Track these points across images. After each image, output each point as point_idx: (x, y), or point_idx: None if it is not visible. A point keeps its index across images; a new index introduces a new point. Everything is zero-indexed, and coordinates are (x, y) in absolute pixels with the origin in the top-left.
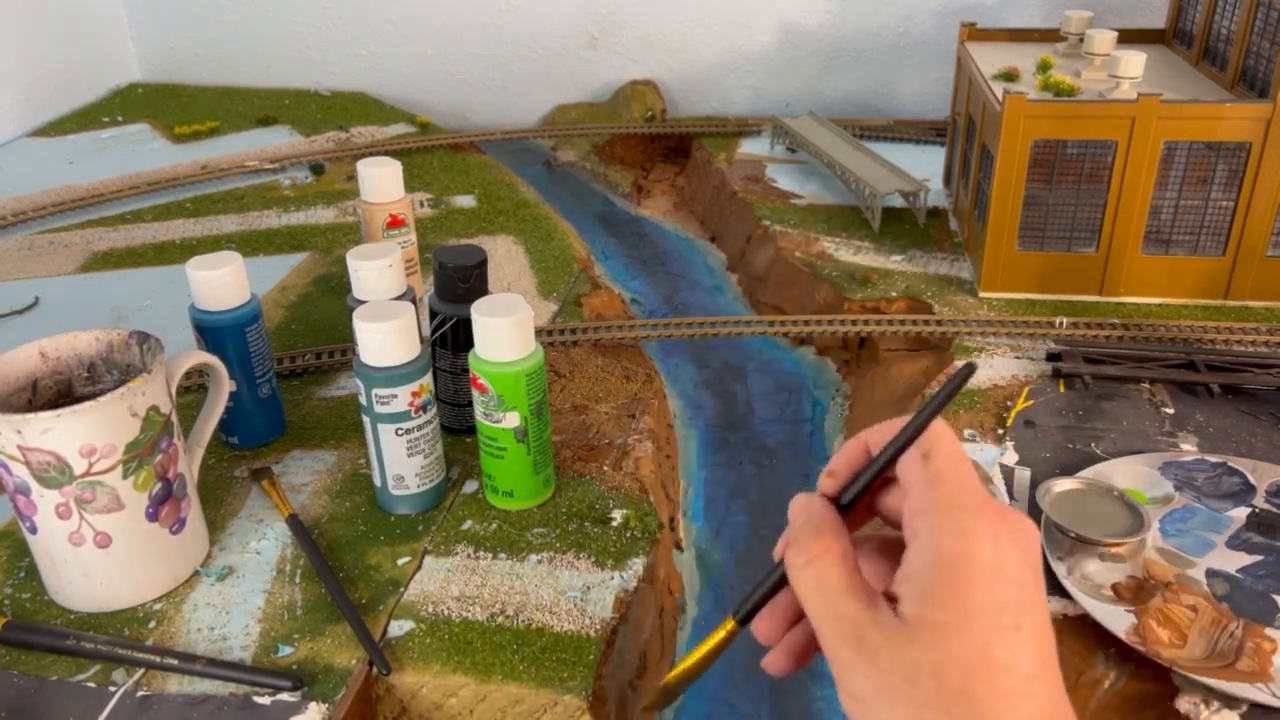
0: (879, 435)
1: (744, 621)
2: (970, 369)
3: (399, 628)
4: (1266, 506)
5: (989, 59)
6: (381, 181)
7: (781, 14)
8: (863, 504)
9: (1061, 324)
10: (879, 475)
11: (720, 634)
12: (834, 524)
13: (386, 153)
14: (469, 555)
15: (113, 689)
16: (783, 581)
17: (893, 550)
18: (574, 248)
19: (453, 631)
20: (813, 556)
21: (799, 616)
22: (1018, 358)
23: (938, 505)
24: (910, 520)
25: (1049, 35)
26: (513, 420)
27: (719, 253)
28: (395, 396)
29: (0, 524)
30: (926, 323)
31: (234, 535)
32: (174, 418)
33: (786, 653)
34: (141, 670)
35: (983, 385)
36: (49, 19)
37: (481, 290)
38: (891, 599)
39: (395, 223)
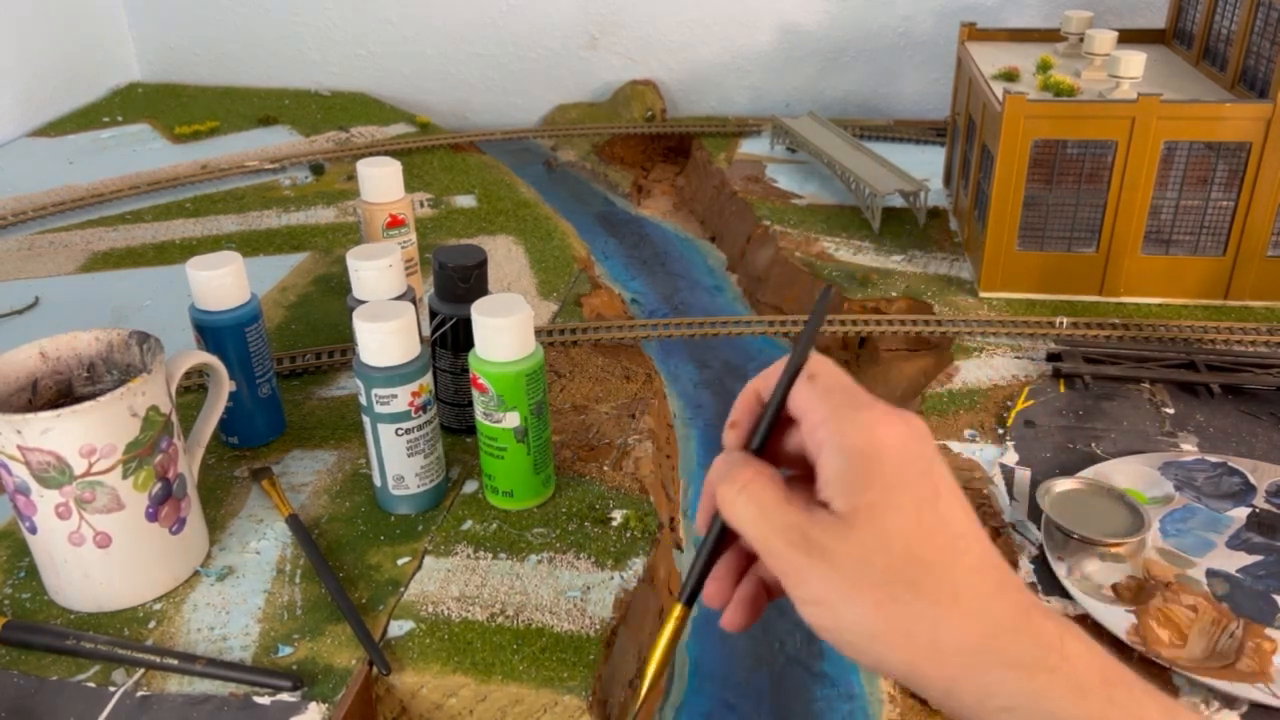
0: (766, 381)
1: (689, 601)
2: (828, 291)
3: (399, 628)
4: (1266, 506)
5: (989, 59)
6: (381, 181)
7: (781, 14)
8: (769, 454)
9: (1061, 324)
10: (779, 413)
11: (670, 624)
12: (754, 459)
13: (386, 153)
14: (469, 555)
15: (113, 689)
16: (715, 552)
17: (805, 481)
18: (574, 248)
19: (453, 631)
20: (745, 483)
21: (741, 572)
22: (1018, 358)
23: (834, 411)
24: (812, 435)
25: (1049, 35)
26: (513, 420)
27: (719, 253)
28: (395, 396)
29: (0, 524)
30: (926, 323)
31: (234, 535)
32: (174, 418)
33: (740, 606)
34: (141, 670)
35: (983, 385)
36: (49, 19)
37: (481, 290)
38: (822, 507)
39: (395, 223)
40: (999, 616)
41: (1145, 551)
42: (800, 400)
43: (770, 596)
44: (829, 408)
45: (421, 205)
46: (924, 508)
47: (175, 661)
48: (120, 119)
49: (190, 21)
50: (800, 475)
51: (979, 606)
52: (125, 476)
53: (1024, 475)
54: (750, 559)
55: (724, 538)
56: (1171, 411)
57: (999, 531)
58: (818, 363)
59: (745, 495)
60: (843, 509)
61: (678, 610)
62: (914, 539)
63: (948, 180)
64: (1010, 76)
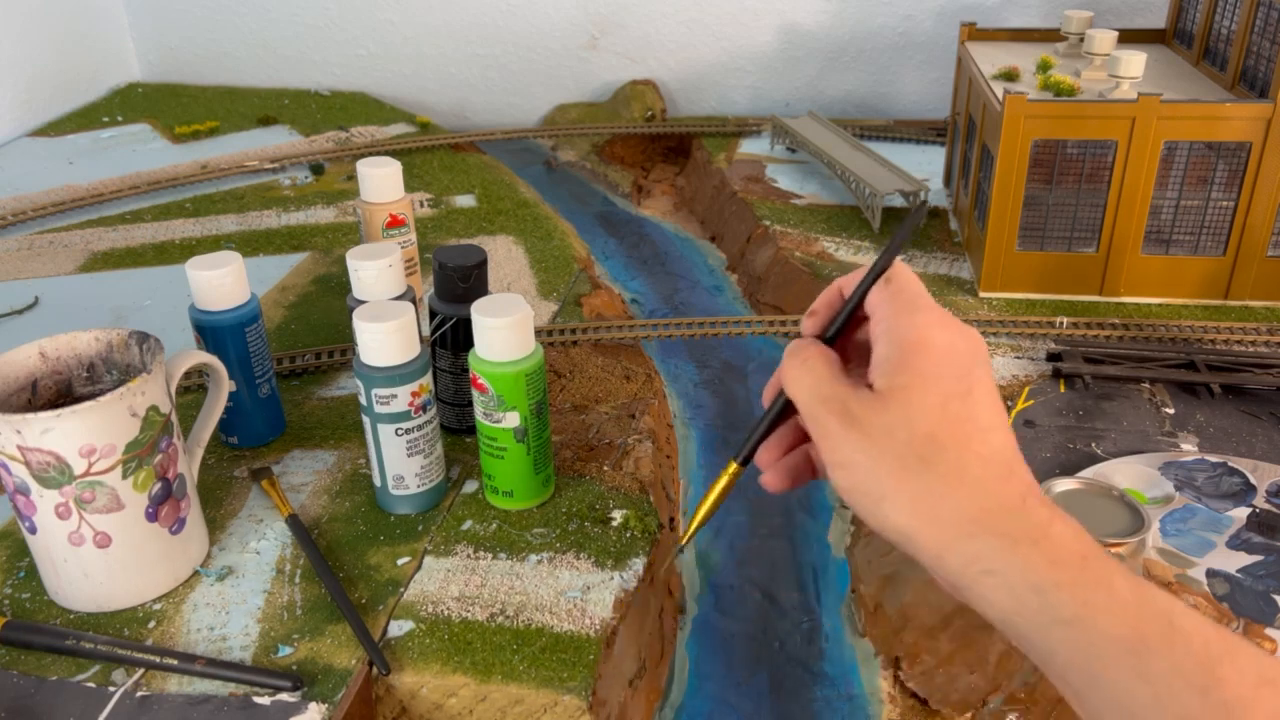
0: (850, 280)
1: (745, 462)
2: (923, 204)
3: (399, 628)
4: (1267, 506)
5: (989, 59)
6: (381, 181)
7: (781, 14)
8: (842, 347)
9: (1062, 324)
10: (856, 309)
11: (725, 478)
12: (821, 344)
13: (386, 153)
14: (469, 555)
15: (112, 689)
16: (775, 422)
17: (866, 363)
18: (574, 248)
19: (453, 631)
20: (806, 357)
21: (793, 446)
22: (1018, 358)
23: (897, 309)
24: (875, 328)
25: (1049, 35)
26: (513, 420)
27: (719, 253)
28: (395, 396)
29: (0, 524)
30: None
31: (234, 535)
32: (174, 418)
33: (783, 471)
34: (141, 670)
35: None
36: (49, 19)
37: (481, 290)
38: (867, 387)
39: (395, 223)
40: (997, 497)
41: (1145, 551)
42: (873, 299)
43: (813, 474)
44: (895, 307)
45: (421, 205)
46: (952, 399)
47: (175, 661)
48: (120, 119)
49: (190, 21)
50: (864, 367)
51: (980, 487)
52: (125, 476)
53: None
54: (802, 437)
55: (785, 411)
56: (1171, 411)
57: None
58: (896, 268)
59: (804, 367)
60: (882, 388)
61: (732, 467)
62: (937, 422)
63: (948, 180)
64: (1010, 76)
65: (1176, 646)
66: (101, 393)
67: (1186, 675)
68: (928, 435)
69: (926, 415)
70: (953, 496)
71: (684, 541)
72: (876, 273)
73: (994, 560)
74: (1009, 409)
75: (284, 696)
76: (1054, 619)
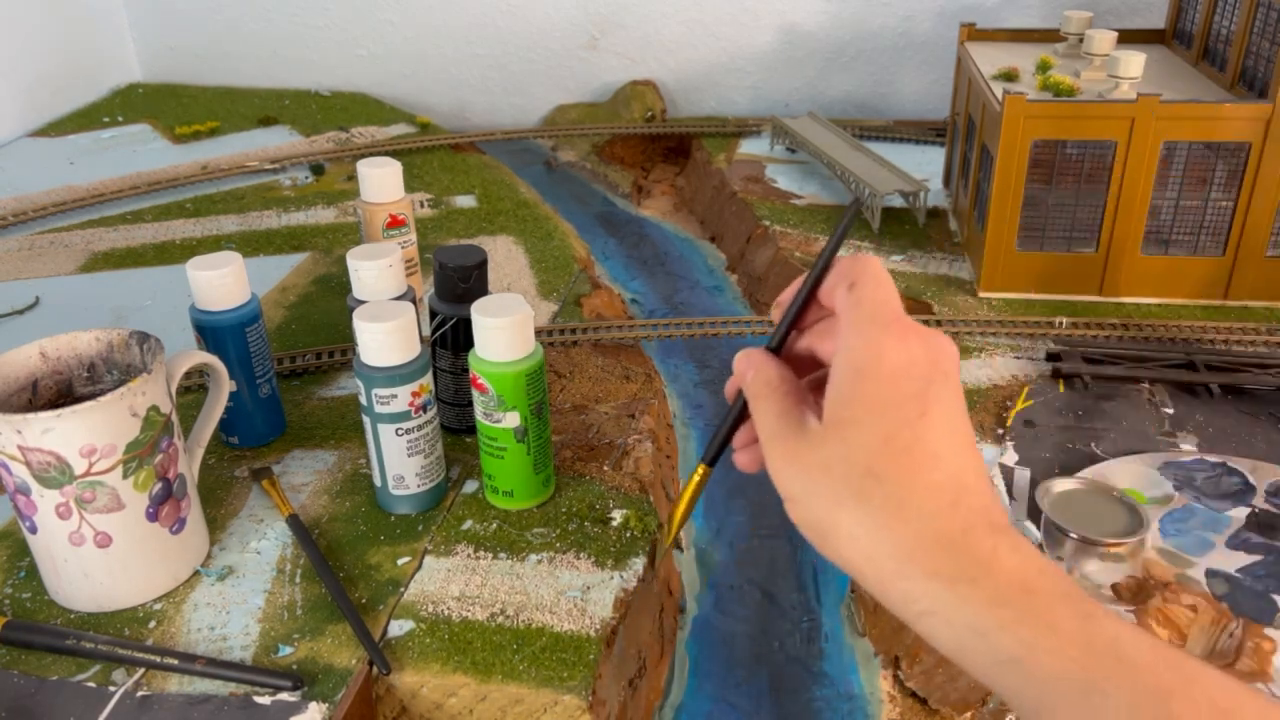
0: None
1: (712, 463)
2: (856, 203)
3: (399, 628)
4: (1266, 506)
5: (989, 59)
6: (381, 181)
7: (781, 14)
8: (806, 352)
9: (1061, 324)
10: (797, 318)
11: (695, 478)
12: (778, 371)
13: (386, 153)
14: (469, 555)
15: (113, 689)
16: (738, 420)
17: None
18: (574, 248)
19: (453, 631)
20: (763, 399)
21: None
22: (1017, 358)
23: (855, 324)
24: (836, 343)
25: (1049, 35)
26: (513, 420)
27: (719, 253)
28: (395, 396)
29: (0, 524)
30: (926, 323)
31: (234, 535)
32: (174, 418)
33: (755, 453)
34: (141, 670)
35: (983, 385)
36: (49, 19)
37: (481, 290)
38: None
39: (395, 223)
40: (936, 531)
41: (1145, 551)
42: (838, 306)
43: None
44: (852, 320)
45: (421, 205)
46: (900, 427)
47: (175, 661)
48: (120, 119)
49: (190, 21)
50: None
51: (918, 521)
52: (125, 476)
53: (1023, 475)
54: None
55: (745, 411)
56: (1171, 411)
57: None
58: (862, 267)
59: (760, 405)
60: (828, 420)
61: (701, 469)
62: (876, 455)
63: (947, 180)
64: (1010, 76)
65: (1125, 684)
66: (102, 393)
67: (1139, 714)
68: (865, 469)
69: (865, 448)
70: (888, 533)
71: (668, 544)
72: (811, 283)
73: (931, 601)
74: (1008, 409)
75: (284, 696)
76: (996, 660)
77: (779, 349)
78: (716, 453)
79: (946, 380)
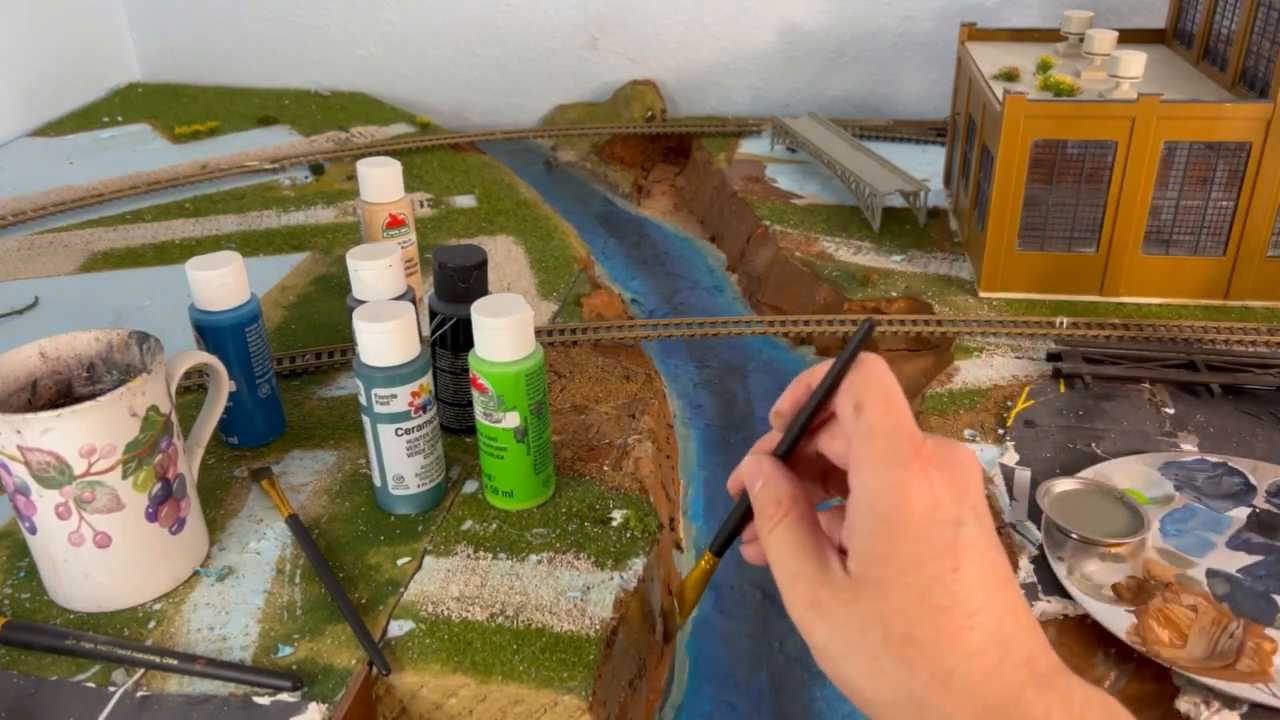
0: (818, 373)
1: (719, 552)
2: (870, 325)
3: (399, 628)
4: (1266, 506)
5: (989, 59)
6: (381, 181)
7: (781, 14)
8: (813, 452)
9: (1062, 324)
10: (805, 428)
11: (702, 565)
12: (789, 488)
13: (386, 153)
14: (469, 555)
15: (112, 689)
16: (745, 517)
17: (837, 474)
18: (574, 248)
19: (453, 631)
20: (776, 522)
21: None
22: (1018, 358)
23: (871, 461)
24: (850, 474)
25: (1049, 35)
26: (513, 420)
27: (719, 253)
28: (395, 396)
29: (0, 524)
30: (926, 323)
31: (234, 535)
32: (174, 418)
33: (759, 548)
34: (141, 670)
35: (983, 385)
36: (49, 19)
37: (481, 290)
38: (844, 552)
39: (395, 223)
40: (986, 700)
41: (1145, 551)
42: (846, 426)
43: None
44: (868, 456)
45: (421, 205)
46: (934, 586)
47: (175, 661)
48: (120, 119)
49: (190, 21)
50: (836, 487)
51: (968, 691)
52: (125, 476)
53: (1024, 475)
54: None
55: (750, 510)
56: (1171, 411)
57: (999, 532)
58: (868, 387)
59: (773, 536)
60: (855, 573)
61: (707, 558)
62: (914, 619)
63: (948, 180)
64: (1010, 76)
65: None
66: (102, 393)
67: None
68: (905, 636)
69: (903, 612)
70: (935, 703)
71: (681, 623)
72: (813, 407)
73: None
74: (1009, 410)
75: (284, 696)
76: None
77: (786, 456)
78: (725, 543)
79: (976, 518)
